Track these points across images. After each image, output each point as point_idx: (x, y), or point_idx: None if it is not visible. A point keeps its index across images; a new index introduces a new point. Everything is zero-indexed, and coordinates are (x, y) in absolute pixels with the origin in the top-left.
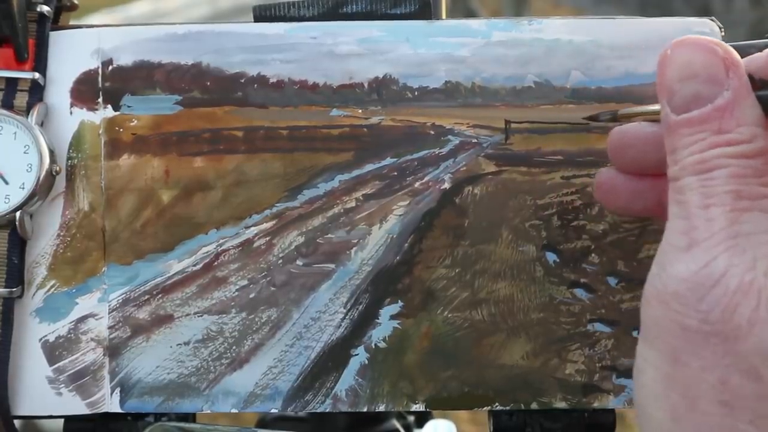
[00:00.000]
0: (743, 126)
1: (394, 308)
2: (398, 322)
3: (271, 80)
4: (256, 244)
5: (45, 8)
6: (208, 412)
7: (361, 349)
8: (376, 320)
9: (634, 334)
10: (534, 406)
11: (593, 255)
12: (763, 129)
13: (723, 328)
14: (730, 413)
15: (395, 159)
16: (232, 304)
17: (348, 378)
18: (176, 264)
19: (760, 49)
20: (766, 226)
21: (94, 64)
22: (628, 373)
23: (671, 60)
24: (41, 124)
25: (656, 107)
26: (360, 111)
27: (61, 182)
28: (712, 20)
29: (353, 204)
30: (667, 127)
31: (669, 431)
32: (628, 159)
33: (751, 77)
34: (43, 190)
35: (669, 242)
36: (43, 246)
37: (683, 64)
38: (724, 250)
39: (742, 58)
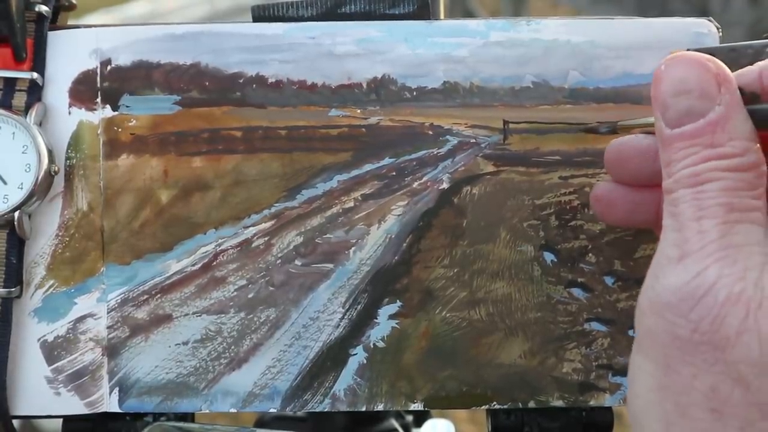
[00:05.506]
0: (735, 140)
1: (393, 308)
2: (397, 321)
3: (270, 80)
4: (254, 244)
5: (43, 8)
6: (207, 411)
7: (359, 349)
8: (375, 320)
9: (630, 333)
10: (532, 404)
11: (590, 255)
12: (754, 143)
13: (712, 337)
14: (720, 419)
15: (394, 159)
16: (231, 304)
17: (346, 377)
18: (175, 264)
19: (758, 49)
20: (757, 238)
21: (93, 64)
22: (624, 371)
23: (665, 75)
24: (40, 124)
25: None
26: (358, 111)
27: (59, 182)
28: (709, 20)
29: (352, 204)
30: (661, 140)
31: None
32: (626, 171)
33: (742, 91)
34: (41, 190)
35: (662, 253)
36: (42, 246)
37: (677, 79)
38: (715, 261)
39: (740, 59)
